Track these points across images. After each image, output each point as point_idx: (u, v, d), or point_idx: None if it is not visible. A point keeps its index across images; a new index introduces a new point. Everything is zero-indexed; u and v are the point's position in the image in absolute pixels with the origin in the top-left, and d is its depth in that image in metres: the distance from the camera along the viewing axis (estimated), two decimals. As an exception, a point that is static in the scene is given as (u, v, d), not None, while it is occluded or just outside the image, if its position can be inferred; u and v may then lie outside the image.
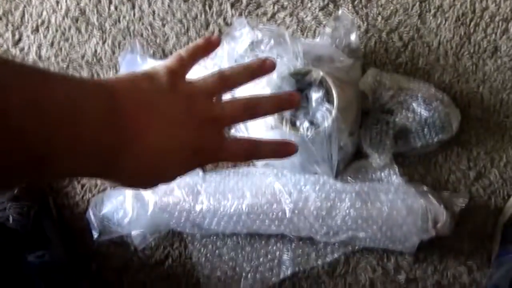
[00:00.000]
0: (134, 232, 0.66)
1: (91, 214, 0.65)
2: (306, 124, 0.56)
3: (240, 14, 0.74)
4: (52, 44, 0.77)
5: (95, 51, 0.76)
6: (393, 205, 0.61)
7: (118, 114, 0.29)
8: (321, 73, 0.56)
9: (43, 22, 0.78)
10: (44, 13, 0.78)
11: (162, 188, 0.65)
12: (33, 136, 0.24)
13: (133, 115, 0.30)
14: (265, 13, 0.74)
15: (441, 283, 0.67)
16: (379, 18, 0.72)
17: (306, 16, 0.73)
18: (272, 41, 0.59)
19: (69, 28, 0.77)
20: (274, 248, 0.67)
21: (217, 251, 0.68)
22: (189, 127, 0.33)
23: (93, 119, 0.27)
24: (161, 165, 0.32)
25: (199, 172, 0.67)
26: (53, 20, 0.77)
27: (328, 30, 0.66)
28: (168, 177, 0.34)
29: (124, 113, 0.29)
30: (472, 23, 0.71)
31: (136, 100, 0.30)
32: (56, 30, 0.77)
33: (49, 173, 0.27)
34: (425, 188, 0.65)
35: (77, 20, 0.77)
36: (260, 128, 0.60)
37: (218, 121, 0.35)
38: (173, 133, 0.32)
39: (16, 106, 0.23)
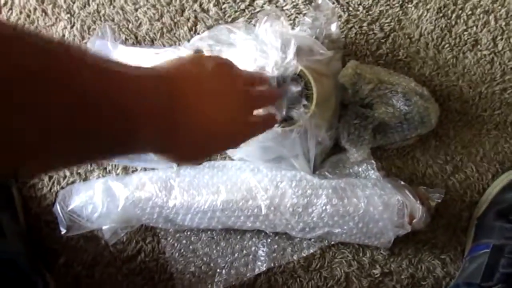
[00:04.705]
0: (104, 227, 0.64)
1: (58, 208, 0.62)
2: (282, 119, 0.54)
3: (217, 1, 0.71)
4: (16, 27, 0.72)
5: (63, 35, 0.72)
6: (369, 201, 0.60)
7: (171, 95, 0.35)
8: (300, 67, 0.54)
9: (6, 3, 0.73)
10: (7, -8, 0.73)
11: (133, 182, 0.62)
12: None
13: (183, 93, 0.36)
14: (243, 0, 0.71)
15: (415, 276, 0.67)
16: (361, 8, 0.70)
17: (286, 4, 0.70)
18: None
19: (35, 10, 0.73)
20: (250, 243, 0.66)
21: (191, 246, 0.66)
22: (235, 101, 0.40)
23: (154, 104, 0.34)
24: (215, 132, 0.38)
25: (173, 166, 0.64)
26: (17, 1, 0.73)
27: (308, 20, 0.64)
28: (222, 147, 0.42)
29: (176, 92, 0.35)
30: (454, 15, 0.69)
31: (185, 81, 0.37)
32: (21, 12, 0.73)
33: (132, 143, 0.32)
34: (401, 182, 0.65)
35: (43, 2, 0.73)
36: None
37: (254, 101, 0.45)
38: (222, 105, 0.38)
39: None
